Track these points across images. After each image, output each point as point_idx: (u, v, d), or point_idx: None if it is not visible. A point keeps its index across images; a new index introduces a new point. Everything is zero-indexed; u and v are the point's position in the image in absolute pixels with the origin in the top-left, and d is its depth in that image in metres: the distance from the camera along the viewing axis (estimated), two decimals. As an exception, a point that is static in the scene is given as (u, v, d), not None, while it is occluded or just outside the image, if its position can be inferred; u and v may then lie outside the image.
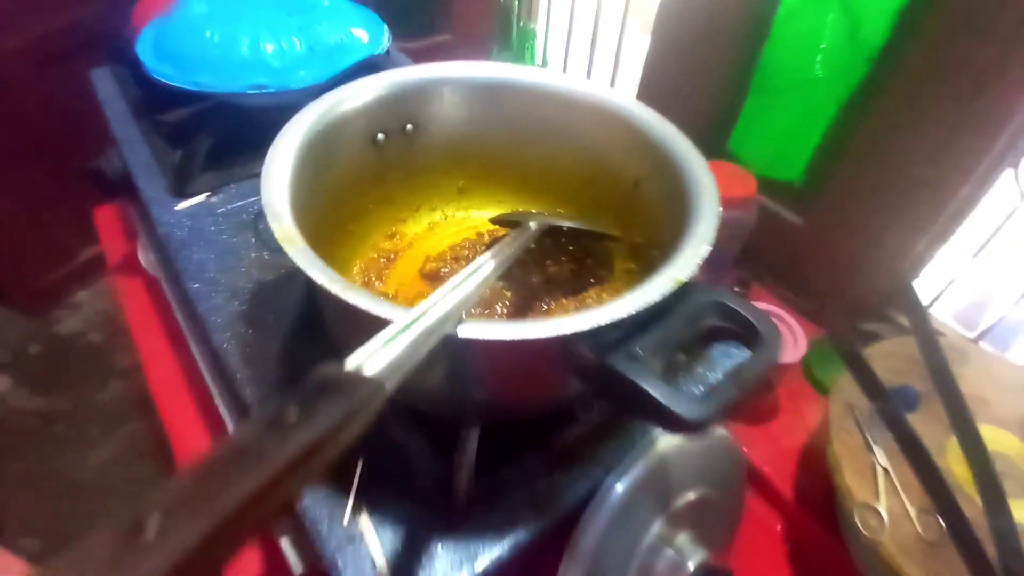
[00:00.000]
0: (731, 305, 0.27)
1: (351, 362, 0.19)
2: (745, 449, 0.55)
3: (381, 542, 0.31)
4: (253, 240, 0.48)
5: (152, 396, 0.58)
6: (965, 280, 0.61)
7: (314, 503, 0.32)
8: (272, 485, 0.14)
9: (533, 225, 0.35)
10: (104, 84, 0.62)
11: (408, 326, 0.21)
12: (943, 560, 0.40)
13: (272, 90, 0.52)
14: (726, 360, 0.38)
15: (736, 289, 0.67)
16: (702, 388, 0.38)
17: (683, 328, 0.26)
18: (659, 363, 0.25)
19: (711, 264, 0.68)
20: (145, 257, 0.62)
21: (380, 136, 0.39)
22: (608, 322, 0.24)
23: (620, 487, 0.35)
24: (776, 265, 0.69)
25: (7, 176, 1.24)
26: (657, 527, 0.38)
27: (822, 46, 0.55)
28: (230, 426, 0.43)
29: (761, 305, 0.56)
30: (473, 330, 0.23)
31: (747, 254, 0.69)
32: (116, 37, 0.77)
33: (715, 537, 0.41)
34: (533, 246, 0.37)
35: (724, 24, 0.61)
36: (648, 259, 0.38)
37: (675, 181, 0.33)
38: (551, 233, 0.38)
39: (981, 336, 0.62)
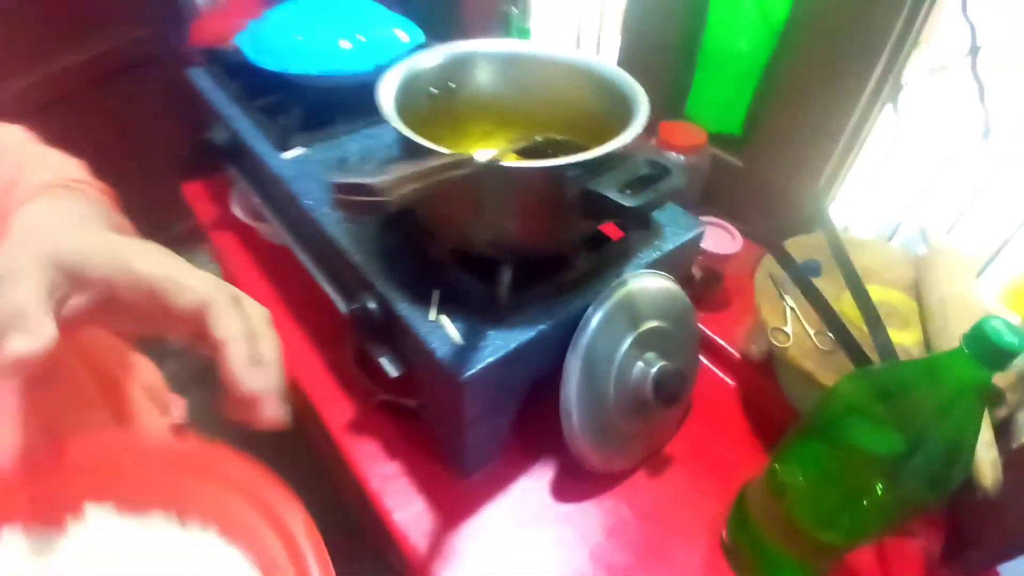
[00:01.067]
0: (654, 158, 0.46)
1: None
2: (704, 328, 0.74)
3: (455, 327, 0.50)
4: (337, 178, 0.67)
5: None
6: (870, 204, 0.80)
7: (411, 312, 0.51)
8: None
9: (538, 137, 0.54)
10: (201, 79, 0.82)
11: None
12: (833, 362, 0.58)
13: (341, 75, 0.71)
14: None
15: (698, 222, 0.86)
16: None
17: (628, 172, 0.45)
18: (616, 187, 0.44)
19: (680, 204, 0.87)
20: (242, 208, 0.82)
21: (433, 90, 0.58)
22: (585, 159, 0.42)
23: (600, 311, 0.54)
24: (728, 202, 0.88)
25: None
26: (628, 342, 0.56)
27: (742, 26, 0.74)
28: (337, 302, 0.61)
29: (708, 218, 0.75)
30: (505, 163, 0.42)
31: (708, 197, 0.88)
32: (173, 55, 0.96)
33: (674, 360, 0.59)
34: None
35: (673, 17, 0.81)
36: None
37: (626, 107, 0.52)
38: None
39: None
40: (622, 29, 0.90)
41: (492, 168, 0.41)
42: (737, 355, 0.72)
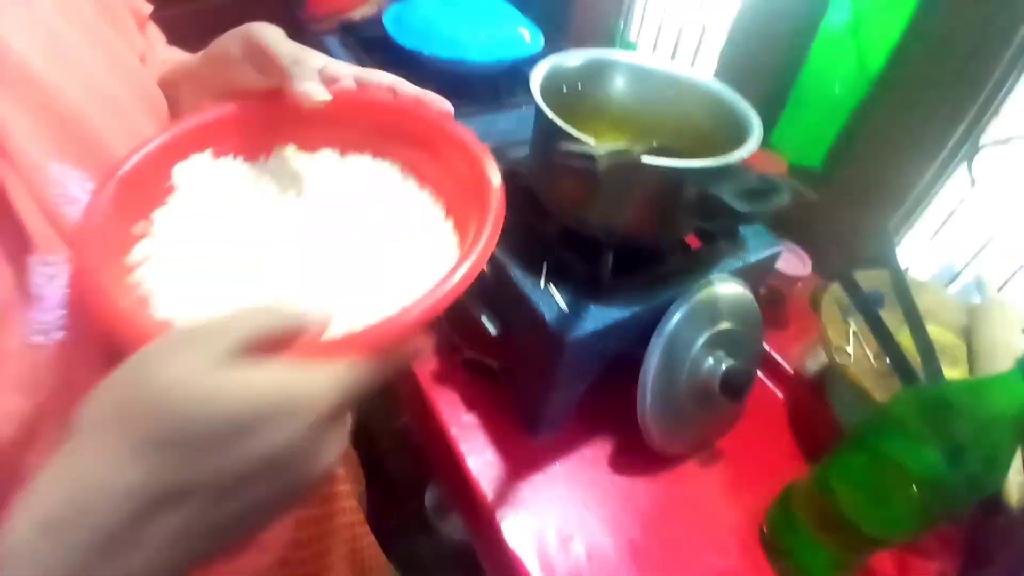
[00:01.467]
0: (765, 176, 0.52)
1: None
2: (766, 345, 0.79)
3: (561, 296, 0.56)
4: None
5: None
6: (935, 252, 0.85)
7: (523, 278, 0.58)
8: None
9: (655, 143, 0.61)
10: (335, 47, 0.90)
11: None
12: (888, 383, 0.63)
13: (469, 62, 0.79)
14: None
15: (765, 246, 0.92)
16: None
17: (742, 183, 0.51)
18: (732, 196, 0.50)
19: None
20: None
21: (564, 87, 0.65)
22: (712, 166, 0.49)
23: (685, 306, 0.60)
24: (798, 231, 0.93)
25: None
26: (705, 337, 0.62)
27: (840, 70, 0.80)
28: None
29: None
30: (648, 159, 0.49)
31: (778, 223, 0.93)
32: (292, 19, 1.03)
33: (740, 359, 0.65)
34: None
35: (774, 50, 0.87)
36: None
37: (736, 126, 0.59)
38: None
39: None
40: (722, 51, 0.97)
41: (637, 163, 0.48)
42: (790, 370, 0.77)
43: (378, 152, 0.45)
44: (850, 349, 0.65)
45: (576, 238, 0.61)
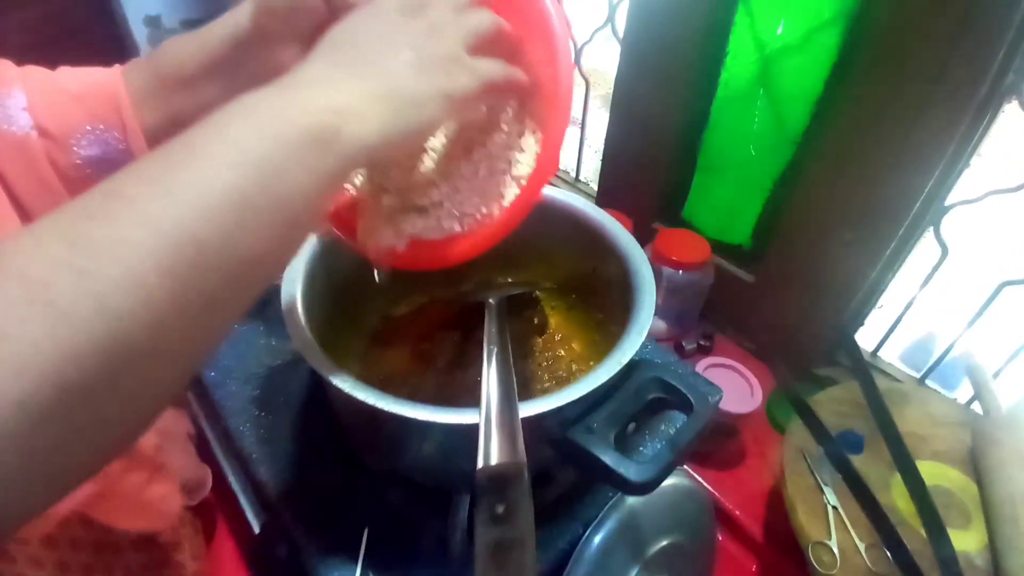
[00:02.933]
0: (668, 380, 0.33)
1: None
2: (716, 494, 0.60)
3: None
4: (261, 327, 0.53)
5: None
6: (907, 324, 0.68)
7: (326, 568, 0.37)
8: None
9: (492, 300, 0.41)
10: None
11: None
12: (891, 586, 0.45)
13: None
14: (670, 427, 0.44)
15: (702, 342, 0.74)
16: (651, 451, 0.43)
17: (632, 401, 0.32)
18: (613, 432, 0.31)
19: (679, 319, 0.74)
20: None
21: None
22: (565, 403, 0.29)
23: (597, 539, 0.40)
24: (735, 318, 0.75)
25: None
26: (634, 574, 0.42)
27: (753, 131, 0.63)
28: (249, 515, 0.47)
29: (718, 360, 0.62)
30: (449, 416, 0.29)
31: (710, 309, 0.75)
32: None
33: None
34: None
35: (668, 111, 0.69)
36: (609, 334, 0.44)
37: (621, 268, 0.40)
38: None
39: (927, 374, 0.68)
40: (610, 107, 0.78)
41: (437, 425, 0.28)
42: (758, 537, 0.58)
43: None
44: (833, 542, 0.46)
45: (414, 485, 0.40)
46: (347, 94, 0.26)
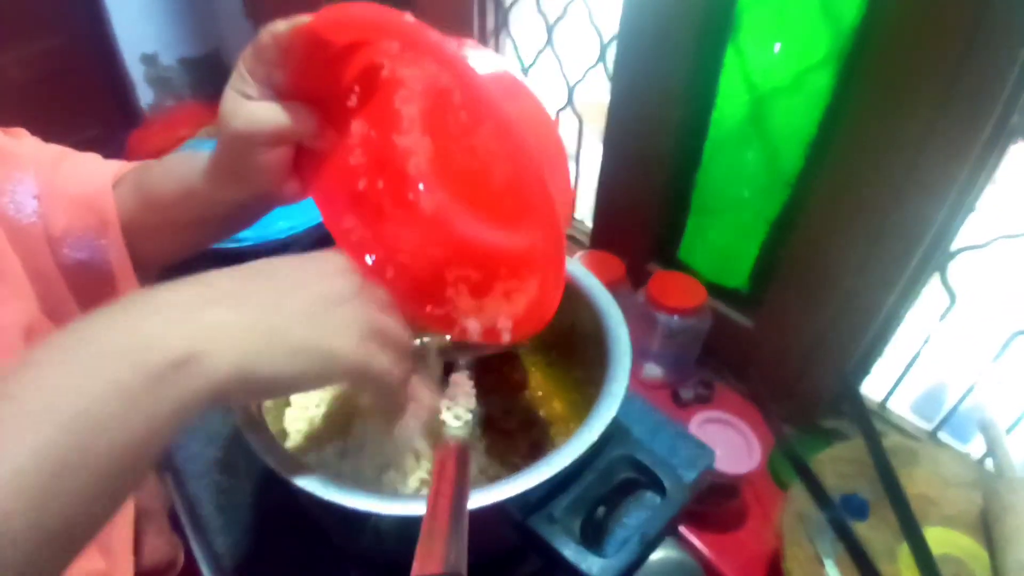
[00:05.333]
0: (640, 459, 0.30)
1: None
2: (714, 559, 0.57)
3: None
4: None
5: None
6: (917, 374, 0.64)
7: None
8: None
9: (463, 362, 0.38)
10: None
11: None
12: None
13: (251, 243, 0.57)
14: (642, 511, 0.40)
15: (700, 391, 0.70)
16: (623, 537, 0.40)
17: (599, 484, 0.29)
18: (578, 519, 0.28)
19: (676, 365, 0.71)
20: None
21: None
22: (524, 490, 0.27)
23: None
24: (734, 365, 0.72)
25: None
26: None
27: (746, 173, 0.60)
28: None
29: (715, 414, 0.58)
30: (400, 508, 0.26)
31: (709, 354, 0.72)
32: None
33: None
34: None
35: (660, 151, 0.67)
36: (587, 394, 0.41)
37: (597, 326, 0.37)
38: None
39: (939, 427, 0.64)
40: (603, 141, 0.77)
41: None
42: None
43: None
44: (834, 623, 0.42)
45: (375, 569, 0.37)
46: (213, 318, 0.24)
